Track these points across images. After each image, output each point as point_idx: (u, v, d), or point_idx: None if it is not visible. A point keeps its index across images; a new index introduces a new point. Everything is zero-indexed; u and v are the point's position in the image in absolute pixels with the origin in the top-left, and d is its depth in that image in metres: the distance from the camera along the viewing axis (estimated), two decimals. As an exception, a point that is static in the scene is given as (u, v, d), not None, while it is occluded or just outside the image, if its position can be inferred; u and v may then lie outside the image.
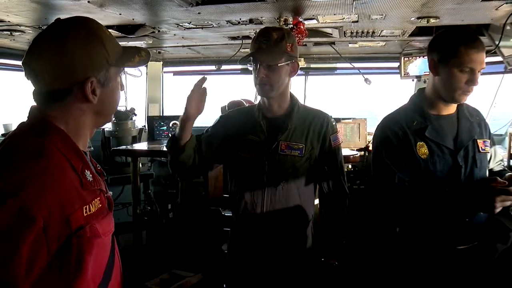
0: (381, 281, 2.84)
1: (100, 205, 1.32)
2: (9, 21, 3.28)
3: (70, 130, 1.30)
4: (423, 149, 2.20)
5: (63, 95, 1.27)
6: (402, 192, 2.19)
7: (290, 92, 2.42)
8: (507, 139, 4.04)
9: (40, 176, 1.13)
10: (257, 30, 3.78)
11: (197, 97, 2.18)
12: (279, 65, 2.21)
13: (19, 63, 4.74)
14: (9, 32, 3.70)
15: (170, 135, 5.84)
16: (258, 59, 2.22)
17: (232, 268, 2.49)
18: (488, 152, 2.34)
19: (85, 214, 1.24)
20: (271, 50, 2.20)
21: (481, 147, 2.29)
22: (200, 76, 2.24)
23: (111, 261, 1.42)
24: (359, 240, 4.50)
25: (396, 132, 2.24)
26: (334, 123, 2.44)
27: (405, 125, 2.25)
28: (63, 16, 3.06)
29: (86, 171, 1.30)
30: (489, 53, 3.64)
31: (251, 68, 2.32)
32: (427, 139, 2.21)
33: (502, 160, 2.53)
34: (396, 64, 5.37)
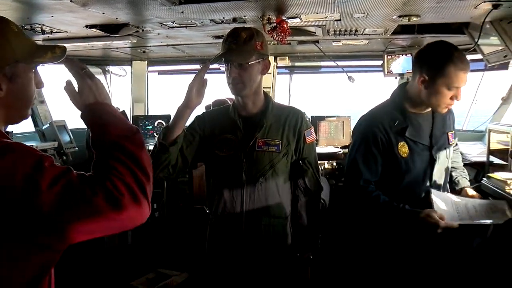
0: (359, 274, 2.90)
1: None
2: (-9, 21, 3.24)
3: None
4: (404, 148, 2.33)
5: None
6: (363, 195, 2.36)
7: (263, 91, 2.44)
8: (486, 135, 4.11)
9: None
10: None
11: (199, 85, 2.20)
12: (249, 63, 2.24)
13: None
14: (-9, 32, 3.67)
15: (155, 134, 5.89)
16: (229, 59, 2.25)
17: (212, 267, 2.49)
18: (454, 143, 2.58)
19: None
20: (240, 50, 2.23)
21: (450, 140, 2.50)
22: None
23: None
24: (341, 235, 4.55)
25: (375, 134, 2.35)
26: (308, 119, 2.51)
27: (387, 126, 2.35)
28: (45, 15, 3.05)
29: None
30: (469, 51, 3.72)
31: (223, 69, 2.36)
32: (408, 139, 2.34)
33: (456, 145, 2.73)
34: (379, 62, 5.43)
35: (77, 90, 1.41)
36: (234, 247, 2.37)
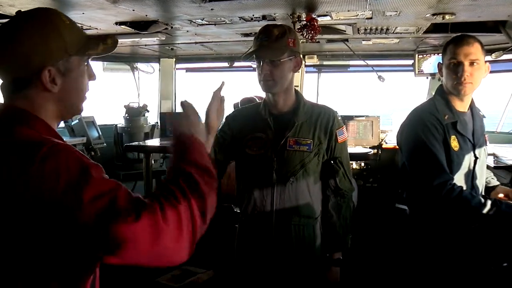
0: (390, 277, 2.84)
1: None
2: (23, 18, 3.28)
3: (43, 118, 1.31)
4: (455, 142, 2.33)
5: (25, 85, 1.27)
6: (459, 200, 2.23)
7: (295, 89, 2.41)
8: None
9: None
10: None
11: (217, 107, 2.12)
12: (281, 60, 2.22)
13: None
14: (23, 28, 3.72)
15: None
16: (260, 55, 2.23)
17: (241, 265, 2.48)
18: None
19: None
20: (272, 47, 2.21)
21: (486, 141, 2.55)
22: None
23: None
24: (370, 237, 4.48)
25: (434, 124, 2.33)
26: (339, 118, 2.47)
27: (440, 118, 2.35)
28: (76, 12, 3.08)
29: None
30: (506, 50, 3.60)
31: (255, 66, 2.33)
32: (458, 133, 2.34)
33: None
34: (410, 62, 5.32)
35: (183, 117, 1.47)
36: (264, 246, 2.35)
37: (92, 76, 1.41)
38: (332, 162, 2.38)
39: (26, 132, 1.19)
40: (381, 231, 4.55)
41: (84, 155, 1.20)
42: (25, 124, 1.22)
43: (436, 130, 2.31)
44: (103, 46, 1.38)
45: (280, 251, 2.33)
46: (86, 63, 1.37)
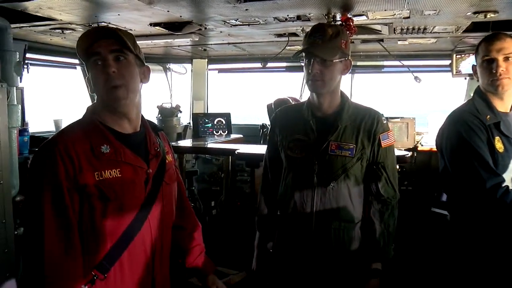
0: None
1: (120, 175, 1.63)
2: (61, 20, 3.35)
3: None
4: (499, 143, 2.27)
5: None
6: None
7: (340, 90, 2.36)
8: None
9: None
10: (304, 27, 3.77)
11: None
12: (334, 61, 2.17)
13: (69, 60, 4.86)
14: (60, 30, 3.79)
15: (214, 132, 5.92)
16: (313, 53, 2.17)
17: (278, 267, 2.46)
18: None
19: (96, 178, 1.58)
20: (326, 46, 2.16)
21: None
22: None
23: (136, 227, 1.67)
24: (405, 243, 4.38)
25: (477, 125, 2.28)
26: (385, 122, 2.38)
27: (482, 119, 2.30)
28: (112, 13, 3.12)
29: (104, 145, 1.63)
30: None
31: (302, 64, 2.28)
32: (502, 134, 2.28)
33: None
34: (447, 62, 5.18)
35: None
36: (303, 249, 2.32)
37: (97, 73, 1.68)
38: (375, 167, 2.30)
39: None
40: (417, 236, 4.45)
41: None
42: None
43: (480, 131, 2.25)
44: None
45: (319, 254, 2.29)
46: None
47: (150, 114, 6.19)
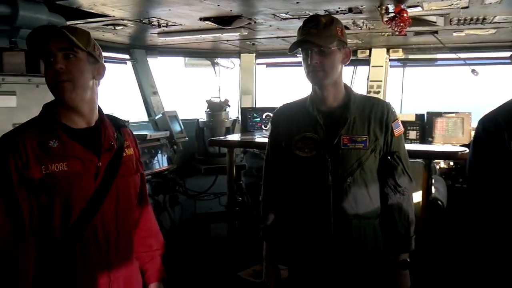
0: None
1: (67, 169, 1.70)
2: (113, 16, 3.42)
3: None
4: None
5: None
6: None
7: (344, 82, 2.25)
8: None
9: None
10: (355, 20, 3.69)
11: None
12: (332, 48, 2.07)
13: (121, 56, 4.96)
14: (112, 26, 3.88)
15: (263, 126, 5.91)
16: (309, 42, 2.05)
17: (297, 279, 2.35)
18: None
19: (43, 172, 1.66)
20: (321, 34, 2.05)
21: None
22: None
23: (85, 219, 1.74)
24: (459, 240, 4.24)
25: (487, 129, 2.03)
26: (393, 110, 2.28)
27: (501, 121, 2.08)
28: (163, 8, 3.16)
29: (52, 140, 1.70)
30: None
31: (300, 57, 2.16)
32: None
33: None
34: (507, 54, 4.95)
35: None
36: (323, 255, 2.20)
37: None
38: (389, 157, 2.21)
39: None
40: (472, 235, 4.29)
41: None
42: None
43: (486, 135, 2.09)
44: None
45: (341, 255, 2.18)
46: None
47: (199, 108, 6.27)
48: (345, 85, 2.25)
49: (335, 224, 2.16)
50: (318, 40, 2.04)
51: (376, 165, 2.21)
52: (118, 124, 1.98)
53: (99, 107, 1.90)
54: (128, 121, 4.96)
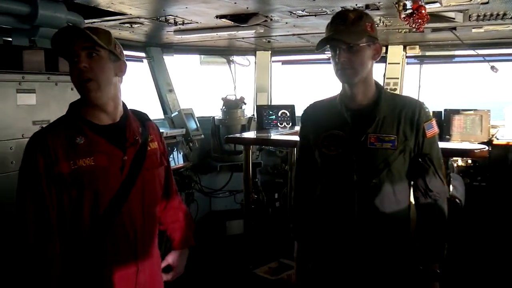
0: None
1: (94, 163, 1.77)
2: (130, 14, 3.45)
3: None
4: None
5: None
6: None
7: (374, 79, 2.17)
8: None
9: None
10: (372, 17, 3.65)
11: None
12: (360, 45, 1.99)
13: (137, 54, 5.01)
14: (129, 25, 3.90)
15: (279, 124, 5.90)
16: (337, 39, 1.98)
17: (321, 279, 2.28)
18: None
19: (72, 167, 1.74)
20: (350, 30, 1.98)
21: None
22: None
23: (114, 211, 1.81)
24: (477, 240, 4.18)
25: None
26: (427, 110, 2.17)
27: None
28: (180, 6, 3.17)
29: (79, 137, 1.78)
30: None
31: (329, 55, 2.09)
32: None
33: None
34: (527, 50, 4.89)
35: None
36: (346, 256, 2.14)
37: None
38: (420, 160, 2.10)
39: None
40: (492, 235, 4.24)
41: None
42: None
43: None
44: None
45: (365, 260, 2.11)
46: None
47: (215, 105, 6.28)
48: (376, 83, 2.18)
49: (359, 227, 2.09)
50: (345, 37, 1.97)
51: (405, 167, 2.11)
52: (143, 118, 2.06)
53: (123, 102, 1.97)
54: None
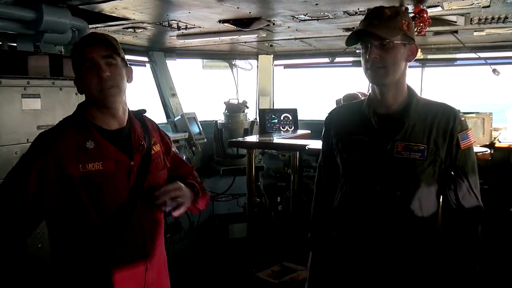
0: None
1: (102, 168, 1.80)
2: (134, 19, 3.47)
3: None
4: None
5: None
6: None
7: (407, 84, 2.01)
8: None
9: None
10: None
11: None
12: (394, 42, 1.84)
13: (140, 58, 5.05)
14: (133, 29, 3.93)
15: (281, 127, 5.92)
16: (369, 32, 1.85)
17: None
18: None
19: (81, 170, 1.76)
20: (384, 25, 1.83)
21: None
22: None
23: (124, 215, 1.85)
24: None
25: None
26: (463, 119, 1.97)
27: None
28: (183, 11, 3.19)
29: (89, 141, 1.80)
30: None
31: (359, 51, 1.95)
32: None
33: None
34: (528, 53, 4.89)
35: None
36: (366, 274, 2.01)
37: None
38: (453, 173, 1.93)
39: None
40: (494, 239, 4.24)
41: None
42: None
43: None
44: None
45: (386, 279, 1.98)
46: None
47: (217, 109, 6.30)
48: (409, 87, 2.02)
49: (381, 242, 1.96)
50: (379, 31, 1.83)
51: (435, 180, 1.95)
52: (142, 118, 2.09)
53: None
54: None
